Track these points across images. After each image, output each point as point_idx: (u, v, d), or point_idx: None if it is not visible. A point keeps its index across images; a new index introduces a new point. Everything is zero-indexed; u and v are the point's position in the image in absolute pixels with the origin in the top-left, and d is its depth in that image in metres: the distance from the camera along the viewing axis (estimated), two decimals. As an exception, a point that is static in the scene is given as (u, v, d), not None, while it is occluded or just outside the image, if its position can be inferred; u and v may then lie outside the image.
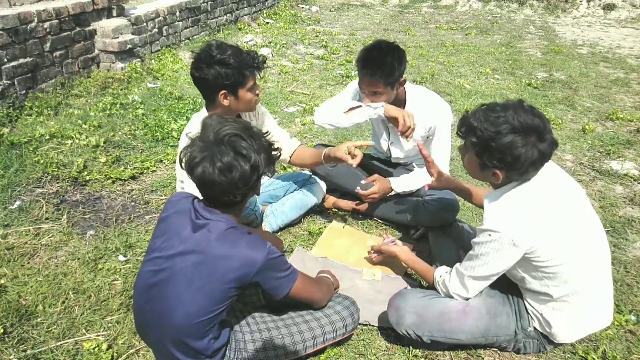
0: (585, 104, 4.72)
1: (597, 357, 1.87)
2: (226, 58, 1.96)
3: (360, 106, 2.29)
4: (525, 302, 1.79)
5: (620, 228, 2.76)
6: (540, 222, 1.59)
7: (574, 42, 7.26)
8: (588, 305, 1.72)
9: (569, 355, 1.90)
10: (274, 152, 1.56)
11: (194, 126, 2.05)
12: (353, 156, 2.16)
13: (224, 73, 1.97)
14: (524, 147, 1.53)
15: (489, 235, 1.61)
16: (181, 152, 1.50)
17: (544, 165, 1.69)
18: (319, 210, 2.80)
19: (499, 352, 1.90)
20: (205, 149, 1.43)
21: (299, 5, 9.24)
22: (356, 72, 5.79)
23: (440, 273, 1.87)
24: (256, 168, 1.45)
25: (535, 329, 1.79)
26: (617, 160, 3.56)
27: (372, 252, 2.34)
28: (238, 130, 1.46)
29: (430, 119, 2.39)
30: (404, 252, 2.16)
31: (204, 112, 2.16)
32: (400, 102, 2.40)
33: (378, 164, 2.78)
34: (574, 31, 7.99)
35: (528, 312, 1.78)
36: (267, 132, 1.62)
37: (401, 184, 2.52)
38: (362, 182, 2.50)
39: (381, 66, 2.17)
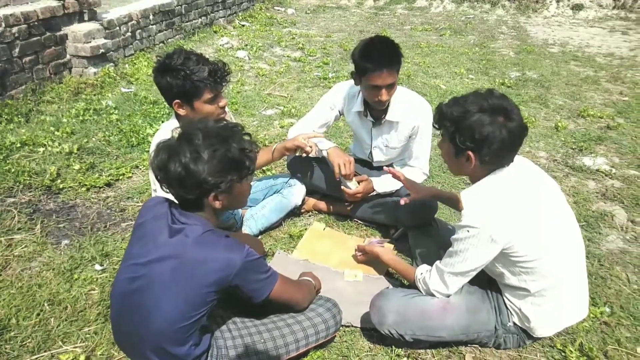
0: (558, 101, 4.84)
1: (575, 350, 1.91)
2: (180, 68, 1.91)
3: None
4: (504, 298, 1.82)
5: (594, 222, 2.83)
6: (518, 217, 1.62)
7: (545, 41, 7.43)
8: (565, 299, 1.76)
9: (547, 349, 1.94)
10: (237, 168, 1.47)
11: (162, 135, 2.02)
12: (308, 147, 2.33)
13: (175, 83, 1.93)
14: (491, 125, 1.57)
15: (468, 231, 1.63)
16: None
17: (519, 162, 1.73)
18: (299, 212, 2.79)
19: (480, 348, 1.92)
20: (164, 142, 1.45)
21: (275, 7, 9.22)
22: (334, 74, 5.75)
23: (421, 271, 1.89)
24: (191, 174, 1.39)
25: (514, 324, 1.82)
26: (589, 156, 3.65)
27: (358, 252, 2.36)
28: (197, 134, 1.42)
29: (414, 119, 2.43)
30: (386, 252, 2.18)
31: (172, 121, 2.12)
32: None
33: (359, 166, 2.79)
34: (545, 31, 8.18)
35: (507, 308, 1.81)
36: (249, 148, 1.50)
37: (383, 184, 2.54)
38: (349, 183, 2.47)
39: (392, 55, 2.18)
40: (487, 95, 1.63)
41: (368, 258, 2.33)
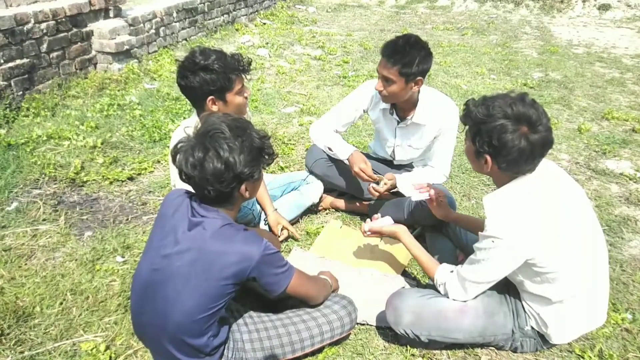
0: (581, 103, 4.75)
1: (594, 356, 1.88)
2: (210, 64, 1.94)
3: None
4: (523, 302, 1.79)
5: (616, 227, 2.77)
6: (543, 228, 1.58)
7: (570, 42, 7.29)
8: (585, 307, 1.73)
9: (565, 354, 1.91)
10: (263, 156, 1.51)
11: (180, 133, 2.05)
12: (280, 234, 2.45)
13: (209, 79, 1.95)
14: (512, 134, 1.53)
15: (492, 241, 1.60)
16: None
17: (545, 167, 1.70)
18: (316, 210, 2.80)
19: (496, 350, 1.91)
20: (190, 141, 1.45)
21: (296, 6, 9.25)
22: (353, 72, 5.74)
23: (441, 274, 1.85)
24: (231, 167, 1.41)
25: (532, 327, 1.80)
26: (612, 159, 3.58)
27: (368, 232, 2.16)
28: (223, 128, 1.44)
29: (441, 120, 2.43)
30: (404, 233, 2.06)
31: (193, 118, 2.13)
32: (413, 103, 2.42)
33: (378, 164, 2.78)
34: (570, 31, 8.02)
35: (525, 311, 1.79)
36: (266, 135, 1.56)
37: (405, 182, 2.52)
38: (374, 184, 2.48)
39: (401, 53, 2.18)
40: (515, 101, 1.57)
41: (383, 237, 2.20)
